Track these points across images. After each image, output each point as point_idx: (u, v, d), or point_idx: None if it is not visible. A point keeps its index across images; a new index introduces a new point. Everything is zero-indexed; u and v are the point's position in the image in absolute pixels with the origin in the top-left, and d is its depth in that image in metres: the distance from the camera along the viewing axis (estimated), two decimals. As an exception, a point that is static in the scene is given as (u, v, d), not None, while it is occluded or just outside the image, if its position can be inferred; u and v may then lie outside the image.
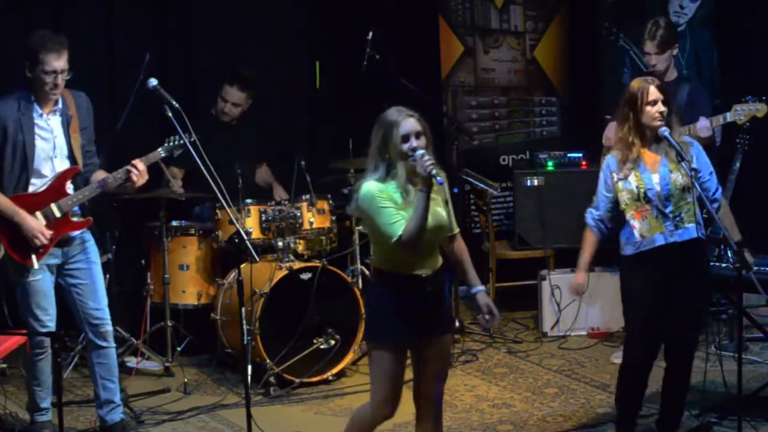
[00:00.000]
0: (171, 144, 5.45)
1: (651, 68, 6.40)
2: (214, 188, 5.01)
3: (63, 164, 5.35)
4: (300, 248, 6.60)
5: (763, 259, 5.64)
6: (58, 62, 5.20)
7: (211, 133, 5.98)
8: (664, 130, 4.96)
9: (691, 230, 4.98)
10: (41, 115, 5.29)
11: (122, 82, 6.66)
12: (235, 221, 5.33)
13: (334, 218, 6.68)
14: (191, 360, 6.74)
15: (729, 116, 6.13)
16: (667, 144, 4.97)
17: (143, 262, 6.80)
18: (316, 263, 6.34)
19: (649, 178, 4.97)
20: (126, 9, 7.20)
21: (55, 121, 5.33)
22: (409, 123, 4.38)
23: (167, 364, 6.55)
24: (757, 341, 6.69)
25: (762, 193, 7.22)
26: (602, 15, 8.16)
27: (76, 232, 5.40)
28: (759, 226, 6.61)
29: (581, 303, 7.08)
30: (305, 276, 6.29)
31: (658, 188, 4.96)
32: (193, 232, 6.77)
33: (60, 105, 5.34)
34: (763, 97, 6.15)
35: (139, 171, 5.33)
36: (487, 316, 4.54)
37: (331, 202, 6.65)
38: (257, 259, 5.56)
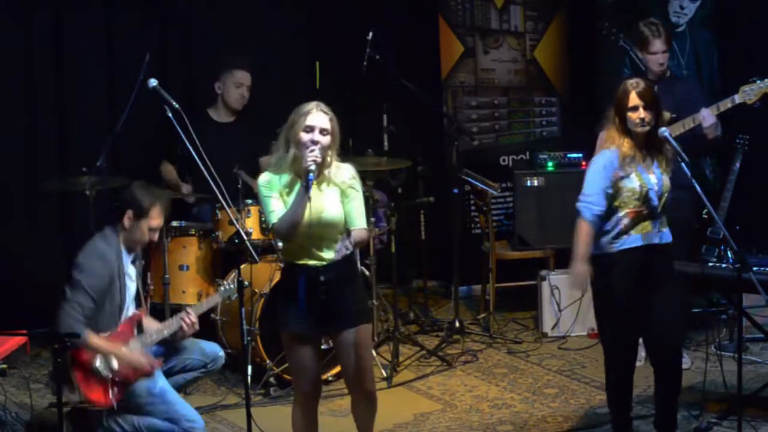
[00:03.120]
0: (226, 288, 5.61)
1: (659, 67, 6.37)
2: (214, 189, 5.01)
3: (132, 308, 5.46)
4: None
5: (763, 259, 5.64)
6: (161, 221, 5.43)
7: (210, 133, 5.98)
8: (664, 131, 4.97)
9: (667, 234, 5.05)
10: (127, 263, 5.41)
11: (122, 82, 6.66)
12: (235, 221, 5.32)
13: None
14: (191, 360, 6.74)
15: (737, 98, 6.01)
16: (656, 147, 4.99)
17: (143, 262, 6.79)
18: (316, 263, 6.33)
19: (648, 178, 4.98)
20: (126, 9, 7.20)
21: (132, 269, 5.46)
22: (318, 117, 4.64)
23: (167, 365, 6.54)
24: (757, 341, 6.69)
25: (762, 193, 7.22)
26: (602, 15, 8.16)
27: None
28: (759, 226, 6.62)
29: (581, 303, 7.08)
30: (305, 276, 6.28)
31: (656, 188, 4.98)
32: (193, 232, 6.76)
33: (138, 253, 5.49)
34: None
35: (191, 321, 5.42)
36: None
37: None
38: (257, 260, 5.56)
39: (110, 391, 5.23)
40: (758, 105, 6.04)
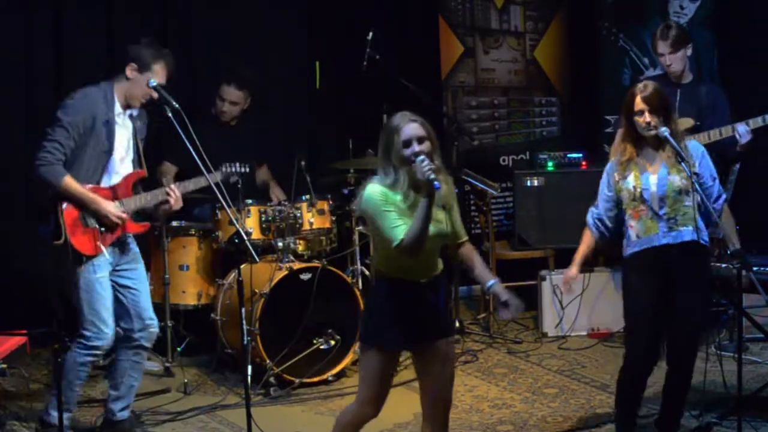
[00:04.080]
0: (228, 170, 5.51)
1: (667, 69, 6.38)
2: (214, 189, 5.01)
3: (129, 166, 5.43)
4: (300, 248, 6.60)
5: (763, 259, 5.64)
6: (164, 79, 5.33)
7: (210, 133, 5.98)
8: (664, 131, 4.96)
9: (685, 233, 4.97)
10: (119, 114, 5.35)
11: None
12: (235, 222, 5.32)
13: (334, 218, 6.68)
14: (191, 360, 6.75)
15: None
16: (665, 149, 4.98)
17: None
18: (316, 263, 6.34)
19: (647, 179, 4.98)
20: (126, 9, 7.20)
21: (129, 123, 5.41)
22: (410, 128, 4.36)
23: (167, 365, 6.55)
24: (757, 341, 6.69)
25: (762, 193, 7.22)
26: (602, 15, 8.17)
27: (129, 236, 5.45)
28: (759, 226, 6.62)
29: (581, 303, 7.09)
30: (305, 276, 6.29)
31: (654, 189, 4.97)
32: (193, 232, 6.77)
33: (133, 112, 5.43)
34: None
35: (176, 196, 5.42)
36: (506, 307, 4.51)
37: (331, 202, 6.65)
38: (257, 260, 5.56)
39: (97, 240, 5.27)
40: None
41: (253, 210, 6.52)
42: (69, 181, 5.20)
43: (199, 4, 7.48)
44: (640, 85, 5.03)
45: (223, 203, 5.11)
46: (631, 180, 5.00)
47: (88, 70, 7.07)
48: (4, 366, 6.18)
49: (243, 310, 4.97)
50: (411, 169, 4.32)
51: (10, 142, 6.95)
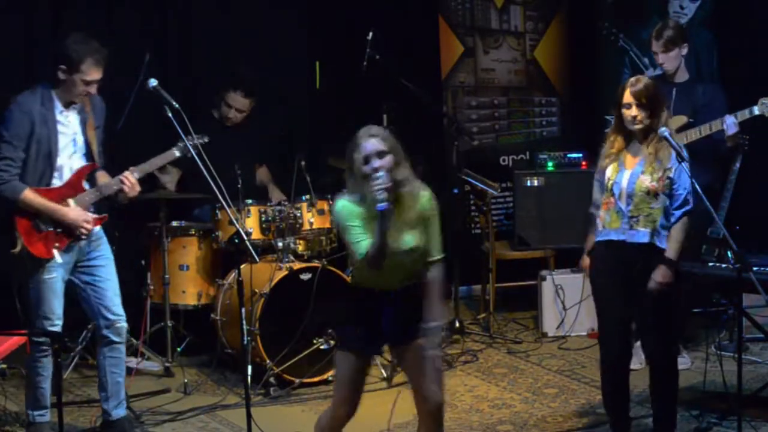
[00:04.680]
0: (184, 144, 5.48)
1: (660, 67, 6.39)
2: (214, 189, 5.01)
3: (80, 161, 5.40)
4: (300, 248, 6.60)
5: (763, 259, 5.64)
6: (98, 74, 5.27)
7: (210, 133, 5.97)
8: (664, 130, 4.97)
9: (642, 234, 5.02)
10: (61, 112, 5.33)
11: (122, 82, 6.65)
12: (235, 222, 5.32)
13: (334, 218, 6.68)
14: (191, 360, 6.75)
15: (756, 110, 6.08)
16: (648, 145, 5.00)
17: (143, 262, 6.80)
18: (316, 264, 6.34)
19: (621, 175, 5.04)
20: (126, 9, 7.20)
21: (73, 118, 5.37)
22: (369, 143, 4.44)
23: (167, 365, 6.55)
24: (757, 341, 6.68)
25: (762, 193, 7.22)
26: (602, 15, 8.16)
27: (94, 229, 5.43)
28: (759, 226, 6.61)
29: (581, 303, 7.09)
30: (305, 276, 6.29)
31: (624, 185, 5.03)
32: (193, 232, 6.77)
33: (78, 104, 5.38)
34: None
35: (130, 183, 5.38)
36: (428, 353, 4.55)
37: (331, 202, 6.65)
38: (257, 260, 5.56)
39: (52, 244, 5.26)
40: None
41: (253, 210, 6.52)
42: (27, 195, 5.22)
43: (199, 4, 7.48)
44: (632, 79, 5.08)
45: (223, 203, 5.11)
46: (608, 172, 5.08)
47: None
48: (4, 366, 6.20)
49: (243, 310, 4.97)
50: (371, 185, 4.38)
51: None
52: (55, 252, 5.29)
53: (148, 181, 5.94)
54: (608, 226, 5.08)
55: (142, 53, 6.25)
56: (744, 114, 6.10)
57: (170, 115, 5.13)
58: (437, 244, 4.58)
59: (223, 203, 5.11)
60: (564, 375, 6.47)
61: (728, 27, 7.86)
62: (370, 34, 6.80)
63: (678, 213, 5.04)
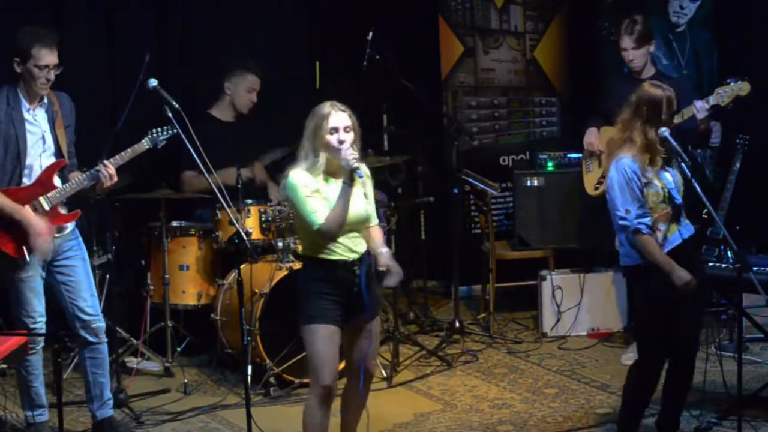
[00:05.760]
0: (155, 135, 5.49)
1: (629, 64, 6.41)
2: (214, 189, 5.01)
3: (50, 159, 5.39)
4: (300, 249, 6.59)
5: (763, 259, 5.64)
6: (51, 57, 5.26)
7: (210, 133, 5.98)
8: (664, 131, 4.97)
9: (690, 226, 5.06)
10: (29, 110, 5.33)
11: (122, 82, 6.66)
12: (235, 222, 5.33)
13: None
14: (191, 360, 6.75)
15: (712, 99, 6.11)
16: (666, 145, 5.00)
17: (143, 262, 6.80)
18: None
19: (665, 178, 5.00)
20: (126, 9, 7.20)
21: (41, 116, 5.37)
22: (339, 116, 4.70)
23: (167, 365, 6.55)
24: (757, 341, 6.68)
25: (762, 193, 7.22)
26: (602, 15, 8.16)
27: (67, 228, 5.42)
28: (759, 226, 6.62)
29: (581, 303, 7.09)
30: (305, 276, 6.28)
31: (675, 186, 5.01)
32: (193, 232, 6.77)
33: (45, 101, 5.38)
34: (745, 77, 6.13)
35: (108, 174, 5.37)
36: (388, 274, 4.80)
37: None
38: (257, 260, 5.56)
39: (22, 244, 5.25)
40: (730, 107, 6.09)
41: (253, 210, 6.52)
42: None
43: (199, 4, 7.48)
44: (668, 89, 5.01)
45: (223, 203, 5.11)
46: (656, 182, 4.97)
47: (88, 70, 7.09)
48: (4, 366, 6.19)
49: (243, 310, 4.97)
50: (333, 155, 4.65)
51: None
52: (26, 251, 5.27)
53: (151, 181, 5.93)
54: (670, 234, 5.01)
55: (142, 53, 6.24)
56: (708, 100, 6.11)
57: (170, 115, 5.14)
58: (374, 212, 4.91)
59: (223, 203, 5.11)
60: (564, 375, 6.47)
61: (728, 27, 7.85)
62: (370, 34, 6.81)
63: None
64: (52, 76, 5.28)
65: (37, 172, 5.34)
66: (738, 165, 6.46)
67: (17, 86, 5.32)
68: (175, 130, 5.46)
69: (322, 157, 4.68)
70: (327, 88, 7.66)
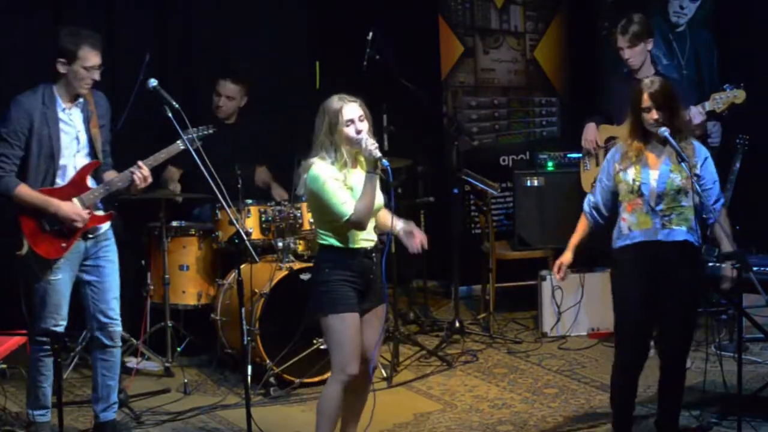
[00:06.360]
0: (191, 136, 5.50)
1: (626, 62, 6.41)
2: (214, 189, 5.01)
3: (84, 159, 5.39)
4: (300, 248, 6.60)
5: (763, 259, 5.64)
6: (97, 58, 5.28)
7: (211, 133, 5.97)
8: (664, 130, 4.98)
9: (678, 232, 5.01)
10: (64, 110, 5.33)
11: (122, 82, 6.66)
12: (235, 222, 5.33)
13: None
14: (191, 360, 6.75)
15: (708, 105, 6.13)
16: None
17: (143, 262, 6.80)
18: (316, 263, 6.34)
19: (647, 174, 5.00)
20: (126, 9, 7.21)
21: (76, 116, 5.37)
22: (352, 108, 4.77)
23: (167, 365, 6.55)
24: (757, 341, 6.69)
25: (762, 193, 7.22)
26: (602, 15, 8.16)
27: (101, 229, 5.43)
28: (759, 226, 6.61)
29: (581, 303, 7.09)
30: (305, 276, 6.28)
31: (654, 185, 4.99)
32: (193, 232, 6.77)
33: (81, 100, 5.37)
34: (741, 84, 6.14)
35: (142, 175, 5.36)
36: (413, 238, 4.88)
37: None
38: (257, 260, 5.56)
39: (58, 244, 5.28)
40: (726, 114, 6.10)
41: (253, 210, 6.53)
42: (21, 190, 5.23)
43: (199, 5, 7.48)
44: (647, 81, 5.05)
45: (223, 203, 5.11)
46: (631, 173, 5.02)
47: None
48: (4, 366, 6.20)
49: (243, 310, 4.97)
50: (352, 147, 4.70)
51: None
52: (65, 248, 5.29)
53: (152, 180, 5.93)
54: (636, 227, 5.03)
55: (142, 53, 6.25)
56: (704, 106, 6.12)
57: (170, 115, 5.14)
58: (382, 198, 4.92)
59: (223, 203, 5.11)
60: (564, 375, 6.47)
61: (728, 27, 7.86)
62: (370, 34, 6.80)
63: (717, 207, 5.06)
64: (97, 76, 5.30)
65: (71, 172, 5.35)
66: (738, 165, 6.46)
67: (54, 85, 5.31)
68: (210, 131, 5.56)
69: (344, 150, 4.73)
70: (327, 88, 7.61)
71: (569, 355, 6.84)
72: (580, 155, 7.02)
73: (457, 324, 7.11)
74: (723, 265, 5.10)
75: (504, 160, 8.34)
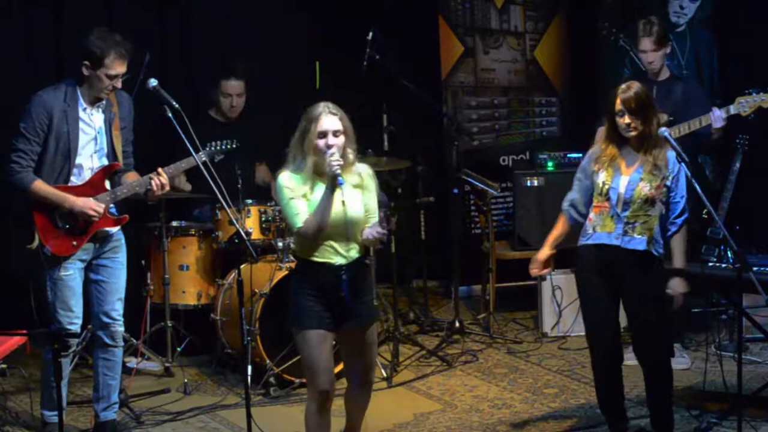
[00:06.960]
0: (213, 149, 5.51)
1: (648, 66, 6.40)
2: (215, 189, 5.01)
3: (101, 160, 5.40)
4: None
5: (763, 259, 5.64)
6: (123, 68, 5.28)
7: (210, 133, 5.98)
8: (664, 131, 5.00)
9: (638, 241, 5.03)
10: (85, 110, 5.34)
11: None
12: (235, 222, 5.33)
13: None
14: (191, 360, 6.75)
15: (732, 109, 6.10)
16: (645, 152, 5.00)
17: (143, 262, 6.80)
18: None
19: (618, 180, 5.03)
20: (126, 9, 7.20)
21: (98, 117, 5.37)
22: (329, 120, 4.64)
23: (167, 365, 6.55)
24: (757, 341, 6.69)
25: (762, 193, 7.22)
26: (602, 15, 8.16)
27: (113, 230, 5.43)
28: (759, 226, 6.62)
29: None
30: (305, 276, 6.28)
31: (621, 190, 5.03)
32: (193, 232, 6.77)
33: (104, 102, 5.37)
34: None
35: (160, 182, 5.38)
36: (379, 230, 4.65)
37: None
38: (257, 260, 5.56)
39: (70, 242, 5.29)
40: (753, 117, 6.09)
41: (253, 210, 6.53)
42: (37, 185, 5.24)
43: (199, 4, 7.48)
44: (623, 86, 5.07)
45: (223, 203, 5.12)
46: (602, 176, 5.07)
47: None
48: (4, 366, 6.18)
49: (243, 310, 4.97)
50: (320, 159, 4.60)
51: (11, 140, 6.95)
52: (77, 246, 5.30)
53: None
54: (600, 229, 5.09)
55: (142, 53, 6.23)
56: (728, 110, 6.11)
57: (170, 115, 5.14)
58: (375, 210, 4.78)
59: (223, 203, 5.12)
60: (564, 375, 6.47)
61: (728, 27, 7.86)
62: (370, 34, 6.80)
63: (679, 221, 5.09)
64: (119, 84, 5.31)
65: (86, 173, 5.35)
66: (738, 165, 6.46)
67: (78, 85, 5.31)
68: (234, 145, 5.65)
69: (309, 160, 4.64)
70: (327, 88, 7.65)
71: (569, 355, 6.84)
72: (581, 155, 7.00)
73: (457, 324, 7.12)
74: (671, 281, 5.09)
75: (504, 160, 8.34)
